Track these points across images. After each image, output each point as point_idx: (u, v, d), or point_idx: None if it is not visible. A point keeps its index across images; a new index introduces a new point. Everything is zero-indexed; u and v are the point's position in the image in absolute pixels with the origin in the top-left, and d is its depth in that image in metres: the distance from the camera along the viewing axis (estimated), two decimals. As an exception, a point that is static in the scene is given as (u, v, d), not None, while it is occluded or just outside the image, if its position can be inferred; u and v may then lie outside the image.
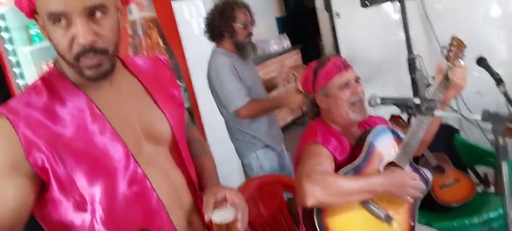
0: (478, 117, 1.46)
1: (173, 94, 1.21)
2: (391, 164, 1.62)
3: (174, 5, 2.91)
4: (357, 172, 1.55)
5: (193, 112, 2.77)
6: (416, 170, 1.68)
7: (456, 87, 1.65)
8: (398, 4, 2.91)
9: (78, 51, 0.93)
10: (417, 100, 1.57)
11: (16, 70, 2.25)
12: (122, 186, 1.02)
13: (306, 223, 1.57)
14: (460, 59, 1.74)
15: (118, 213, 1.02)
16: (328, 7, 3.54)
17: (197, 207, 1.16)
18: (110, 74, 1.00)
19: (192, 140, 1.36)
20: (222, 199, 1.10)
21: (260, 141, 2.53)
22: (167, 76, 1.23)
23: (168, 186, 1.10)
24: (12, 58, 2.24)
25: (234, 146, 2.64)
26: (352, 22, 3.46)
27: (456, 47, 1.73)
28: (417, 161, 2.27)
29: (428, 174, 1.70)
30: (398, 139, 1.68)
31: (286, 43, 6.46)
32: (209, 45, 2.58)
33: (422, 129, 1.64)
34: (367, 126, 1.81)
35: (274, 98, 2.54)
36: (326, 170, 1.50)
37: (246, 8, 2.48)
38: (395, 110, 1.62)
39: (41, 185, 0.97)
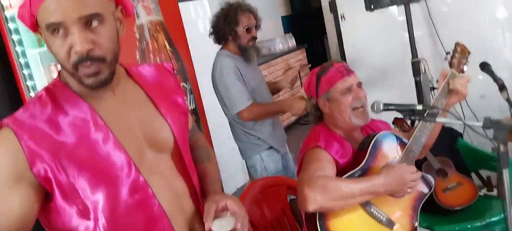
0: (480, 124, 1.49)
1: (177, 102, 1.23)
2: (393, 169, 1.64)
3: (181, 6, 2.93)
4: (360, 177, 1.57)
5: (199, 114, 2.80)
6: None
7: (458, 95, 1.66)
8: (403, 7, 2.92)
9: (75, 59, 0.96)
10: (419, 107, 1.59)
11: (25, 72, 2.29)
12: (124, 194, 1.04)
13: (309, 227, 1.60)
14: (464, 65, 1.76)
15: (121, 220, 1.04)
16: (333, 8, 3.55)
17: (199, 214, 1.18)
18: (109, 82, 1.02)
19: (197, 146, 1.38)
20: (223, 208, 1.12)
21: (265, 143, 2.55)
22: (172, 84, 1.25)
23: (170, 193, 1.12)
24: (21, 60, 2.28)
25: (238, 147, 2.66)
26: (357, 24, 3.47)
27: (460, 53, 1.75)
28: (420, 164, 2.30)
29: (430, 178, 1.72)
30: (401, 143, 1.70)
31: (292, 42, 6.47)
32: (215, 46, 2.60)
33: (425, 134, 1.66)
34: (370, 130, 1.83)
35: (277, 103, 2.56)
36: (327, 174, 1.53)
37: (251, 11, 2.49)
38: (399, 113, 1.64)
39: (45, 194, 1.01)
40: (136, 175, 1.05)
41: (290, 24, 7.38)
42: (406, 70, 3.08)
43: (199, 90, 2.86)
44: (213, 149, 2.99)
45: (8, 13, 2.24)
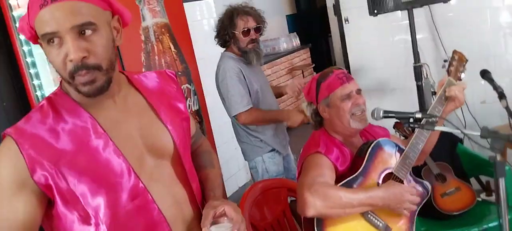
0: (477, 134, 1.51)
1: (178, 108, 1.25)
2: (391, 175, 1.67)
3: (186, 6, 2.95)
4: (358, 183, 1.60)
5: (202, 115, 2.83)
6: (416, 180, 1.73)
7: (455, 102, 1.69)
8: (406, 12, 2.94)
9: (71, 68, 0.99)
10: (418, 115, 1.62)
11: (32, 71, 2.33)
12: (124, 200, 1.07)
13: (307, 230, 1.63)
14: (461, 73, 1.78)
15: (121, 226, 1.07)
16: (337, 12, 3.57)
17: (199, 220, 1.19)
18: (106, 90, 1.05)
19: (201, 151, 1.41)
20: (221, 214, 1.13)
21: (267, 145, 2.57)
22: (173, 90, 1.27)
23: (170, 199, 1.15)
24: (28, 59, 2.32)
25: (241, 148, 2.69)
26: (360, 28, 3.50)
27: (457, 61, 1.77)
28: (419, 170, 2.33)
29: (427, 184, 1.75)
30: (398, 150, 1.73)
31: (296, 42, 6.48)
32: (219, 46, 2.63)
33: (422, 142, 1.69)
34: (369, 135, 1.86)
35: (276, 112, 2.56)
36: (327, 182, 1.56)
37: (250, 14, 2.48)
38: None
39: (47, 201, 1.05)
40: (135, 181, 1.08)
41: (295, 23, 7.39)
42: (409, 74, 3.11)
43: (202, 90, 2.89)
44: (216, 148, 3.04)
45: (16, 13, 2.28)
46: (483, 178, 2.68)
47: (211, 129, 2.97)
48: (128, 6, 2.26)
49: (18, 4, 2.28)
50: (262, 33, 2.59)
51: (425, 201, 1.74)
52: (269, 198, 2.11)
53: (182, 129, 1.23)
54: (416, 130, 1.68)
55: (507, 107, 1.97)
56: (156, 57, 2.45)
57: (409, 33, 2.98)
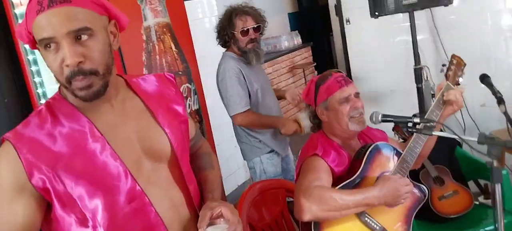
0: (474, 140, 1.52)
1: (176, 111, 1.26)
2: (388, 179, 1.68)
3: (188, 4, 2.95)
4: (355, 186, 1.62)
5: (202, 114, 2.84)
6: (413, 184, 1.73)
7: (452, 106, 1.70)
8: (407, 14, 2.94)
9: (68, 74, 1.00)
10: (416, 120, 1.63)
11: (33, 68, 2.34)
12: (121, 202, 1.08)
13: (305, 232, 1.65)
14: (459, 77, 1.78)
15: (118, 228, 1.09)
16: (338, 12, 3.58)
17: (196, 222, 1.20)
18: (102, 94, 1.06)
19: (201, 153, 1.42)
20: (218, 215, 1.15)
21: (266, 146, 2.58)
22: (172, 93, 1.28)
23: (168, 202, 1.16)
24: (30, 57, 2.34)
25: (240, 148, 2.70)
26: (361, 29, 3.50)
27: (455, 66, 1.78)
28: (418, 172, 2.34)
29: (424, 188, 1.76)
30: (396, 153, 1.74)
31: (297, 40, 6.48)
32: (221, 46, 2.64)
33: (419, 145, 1.70)
34: (367, 137, 1.87)
35: (271, 118, 2.56)
36: (323, 185, 1.57)
37: (248, 14, 2.48)
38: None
39: (46, 204, 1.06)
40: (132, 184, 1.09)
41: (297, 21, 7.38)
42: (409, 76, 3.12)
43: (202, 90, 2.90)
44: (216, 146, 3.05)
45: (18, 11, 2.29)
46: (482, 181, 2.69)
47: (211, 128, 2.98)
48: (129, 6, 2.30)
49: (20, 1, 2.29)
50: (262, 33, 2.59)
51: (422, 204, 1.75)
52: (268, 198, 2.12)
53: (180, 132, 1.24)
54: (414, 134, 1.69)
55: (505, 113, 1.97)
56: (157, 57, 2.46)
57: (410, 35, 2.99)
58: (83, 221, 1.07)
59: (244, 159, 2.71)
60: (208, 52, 3.20)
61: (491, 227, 2.16)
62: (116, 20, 1.12)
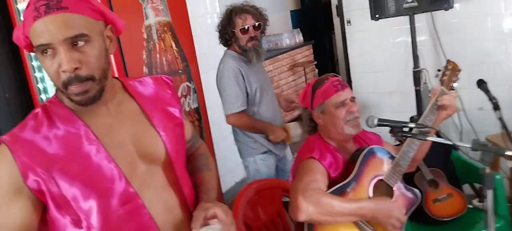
0: (468, 146, 1.54)
1: (172, 114, 1.28)
2: (381, 182, 1.70)
3: (189, 1, 2.95)
4: (350, 188, 1.64)
5: (201, 112, 2.86)
6: (406, 188, 1.76)
7: (446, 111, 1.72)
8: (407, 17, 2.95)
9: (64, 80, 1.02)
10: (411, 125, 1.65)
11: (34, 63, 2.37)
12: (115, 204, 1.10)
13: (298, 233, 1.67)
14: (454, 83, 1.80)
15: (112, 230, 1.11)
16: (340, 12, 3.59)
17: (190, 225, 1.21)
18: (98, 99, 1.08)
19: (198, 154, 1.43)
20: (212, 216, 1.16)
21: (261, 146, 2.60)
22: (168, 96, 1.29)
23: (162, 205, 1.17)
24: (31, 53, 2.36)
25: (237, 146, 2.72)
26: (362, 30, 3.51)
27: (450, 71, 1.80)
28: (412, 176, 2.36)
29: (417, 192, 1.78)
30: (390, 157, 1.76)
31: (299, 38, 6.47)
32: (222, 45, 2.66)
33: (413, 150, 1.72)
34: (362, 141, 1.89)
35: (263, 123, 2.57)
36: (320, 188, 1.59)
37: (248, 12, 2.49)
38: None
39: (43, 206, 1.09)
40: (126, 186, 1.11)
41: (299, 18, 7.37)
42: (408, 78, 3.13)
43: (202, 88, 2.91)
44: (213, 144, 3.07)
45: (20, 6, 2.31)
46: (477, 184, 2.71)
47: (210, 126, 3.00)
48: (131, 5, 2.32)
49: (23, -2, 2.32)
50: (263, 31, 2.60)
51: (415, 206, 1.78)
52: (264, 198, 2.14)
53: (175, 135, 1.25)
54: (408, 139, 1.71)
55: (500, 118, 1.99)
56: (158, 55, 2.48)
57: (410, 38, 3.00)
58: (77, 222, 1.09)
59: (240, 157, 2.73)
60: (209, 49, 3.21)
61: (484, 231, 2.18)
62: (113, 24, 1.13)
